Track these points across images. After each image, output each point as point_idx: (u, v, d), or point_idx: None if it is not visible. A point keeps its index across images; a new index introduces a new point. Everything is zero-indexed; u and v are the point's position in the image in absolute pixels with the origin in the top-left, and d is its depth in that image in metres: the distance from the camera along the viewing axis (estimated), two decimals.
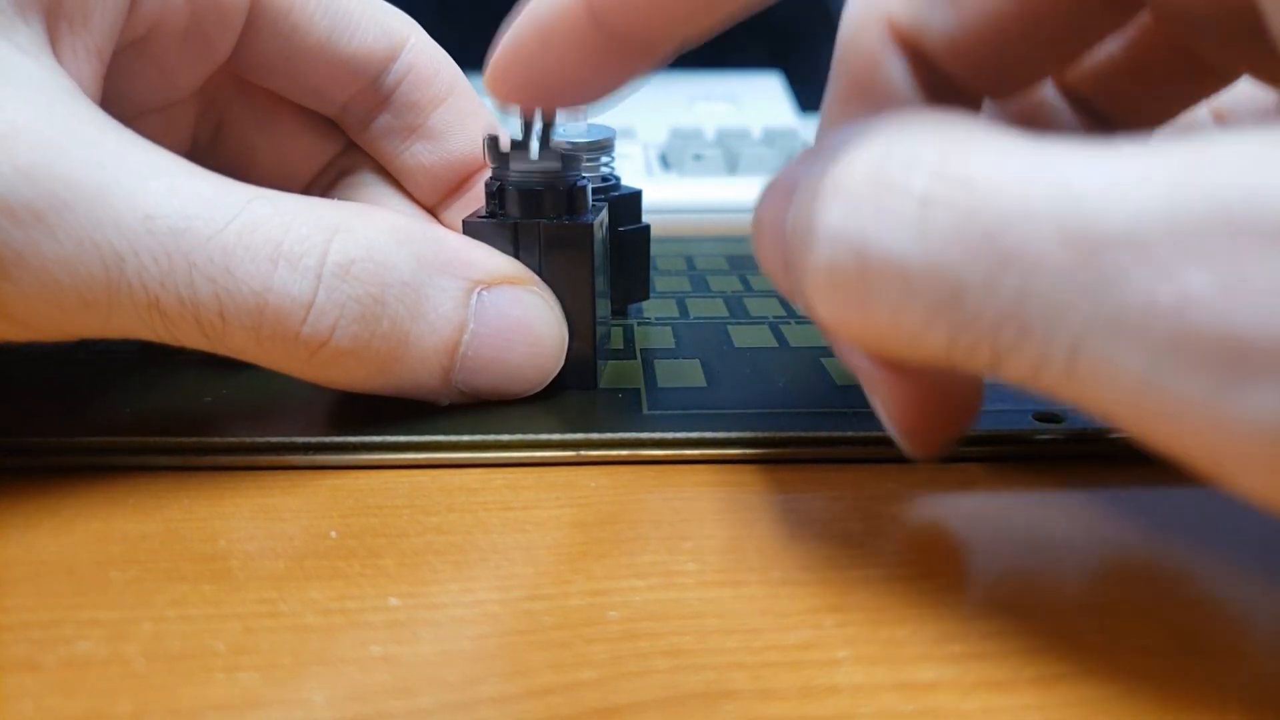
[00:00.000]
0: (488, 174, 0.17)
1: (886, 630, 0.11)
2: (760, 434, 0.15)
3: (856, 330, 0.10)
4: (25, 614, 0.11)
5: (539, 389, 0.16)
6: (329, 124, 0.20)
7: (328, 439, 0.15)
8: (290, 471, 0.14)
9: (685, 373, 0.17)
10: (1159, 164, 0.08)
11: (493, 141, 0.16)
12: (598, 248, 0.16)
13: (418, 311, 0.14)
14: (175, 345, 0.13)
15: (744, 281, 0.24)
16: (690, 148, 0.35)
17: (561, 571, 0.12)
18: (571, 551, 0.12)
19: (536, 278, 0.16)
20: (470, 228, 0.16)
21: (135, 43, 0.16)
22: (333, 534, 0.13)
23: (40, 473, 0.14)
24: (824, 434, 0.15)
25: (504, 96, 0.14)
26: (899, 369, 0.12)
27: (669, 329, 0.20)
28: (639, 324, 0.20)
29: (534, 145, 0.16)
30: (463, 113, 0.19)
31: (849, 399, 0.16)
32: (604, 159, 0.20)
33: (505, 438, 0.15)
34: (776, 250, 0.11)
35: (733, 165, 0.34)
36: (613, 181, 0.20)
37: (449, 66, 0.19)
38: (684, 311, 0.21)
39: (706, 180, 0.32)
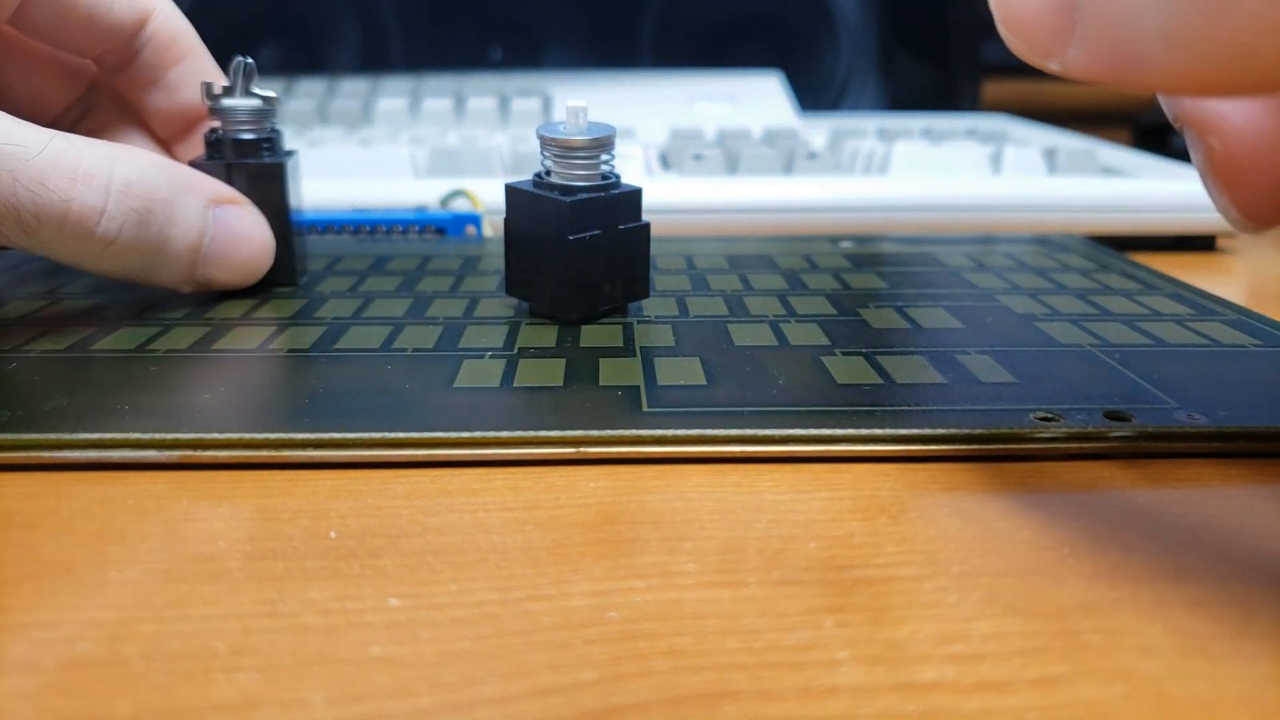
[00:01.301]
0: (208, 125, 0.22)
1: (886, 630, 0.11)
2: (760, 433, 0.15)
3: (1217, 48, 0.09)
4: (25, 614, 0.11)
5: (256, 280, 0.22)
6: (80, 65, 0.24)
7: (326, 435, 0.15)
8: (290, 471, 0.14)
9: (685, 371, 0.17)
10: None
11: (208, 87, 0.22)
12: (287, 180, 0.22)
13: (174, 220, 0.19)
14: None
15: (744, 280, 0.24)
16: (690, 148, 0.35)
17: (561, 571, 0.12)
18: (571, 551, 0.12)
19: (248, 200, 0.21)
20: (197, 165, 0.21)
21: None
22: (333, 534, 0.13)
23: (40, 472, 0.14)
24: (824, 433, 0.15)
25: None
26: (1245, 111, 0.11)
27: (669, 327, 0.20)
28: (639, 322, 0.20)
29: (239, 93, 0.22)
30: (194, 71, 0.24)
31: (849, 398, 0.16)
32: (604, 157, 0.20)
33: (504, 434, 0.15)
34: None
35: (733, 165, 0.34)
36: (613, 179, 0.20)
37: (188, 35, 0.24)
38: (684, 310, 0.21)
39: (706, 180, 0.32)
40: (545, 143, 0.20)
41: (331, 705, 0.10)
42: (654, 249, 0.27)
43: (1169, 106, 0.13)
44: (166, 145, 0.25)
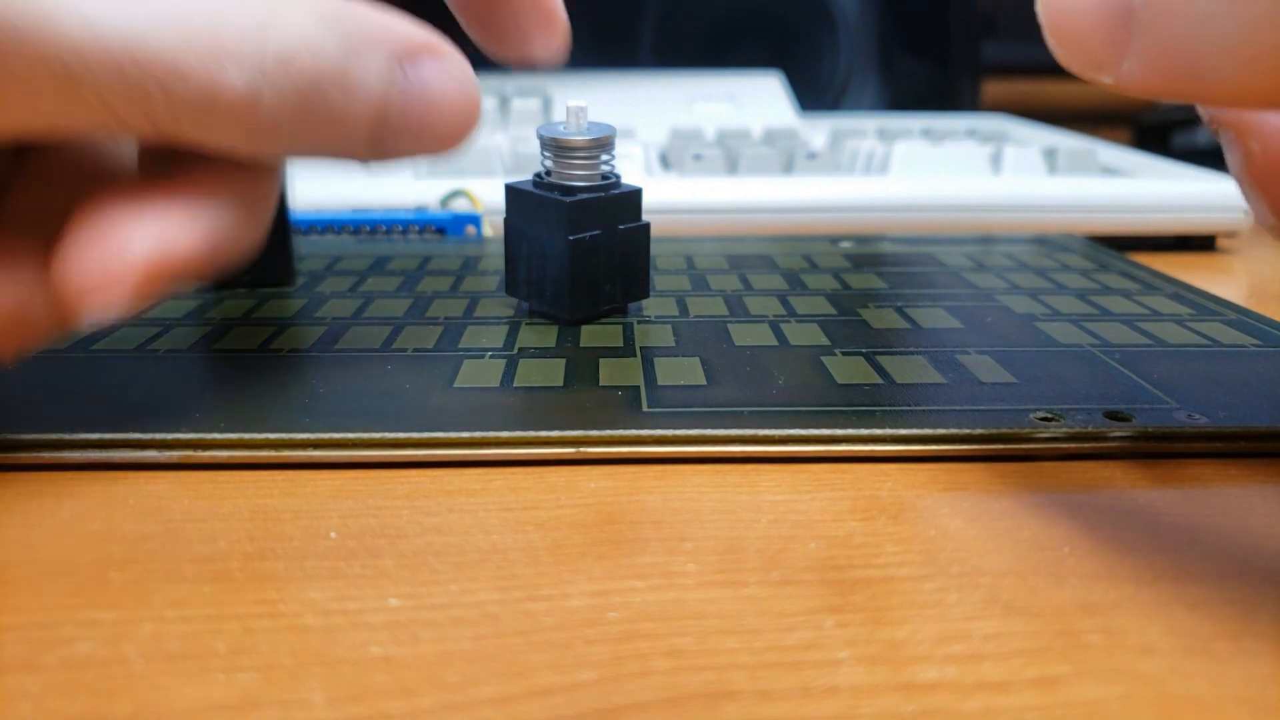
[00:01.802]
0: None
1: (886, 630, 0.11)
2: (760, 432, 0.15)
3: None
4: (25, 614, 0.11)
5: (455, 149, 0.17)
6: None
7: (326, 435, 0.15)
8: (290, 471, 0.14)
9: (685, 371, 0.17)
10: None
11: None
12: (284, 178, 0.19)
13: (349, 90, 0.15)
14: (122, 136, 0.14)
15: (744, 280, 0.24)
16: (690, 148, 0.35)
17: (561, 572, 0.12)
18: (571, 551, 0.12)
19: (452, 46, 0.16)
20: None
21: None
22: (332, 534, 0.13)
23: (40, 472, 0.14)
24: (824, 433, 0.15)
25: None
26: None
27: (669, 327, 0.20)
28: (639, 322, 0.20)
29: None
30: None
31: (849, 398, 0.16)
32: (604, 156, 0.20)
33: (504, 434, 0.15)
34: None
35: (733, 165, 0.34)
36: (613, 179, 0.20)
37: None
38: (684, 310, 0.21)
39: (706, 180, 0.32)
40: (545, 143, 0.20)
41: (331, 705, 0.10)
42: (654, 249, 0.27)
43: (1206, 109, 0.13)
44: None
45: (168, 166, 0.15)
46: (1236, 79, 0.10)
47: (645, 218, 0.21)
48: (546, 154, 0.20)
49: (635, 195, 0.20)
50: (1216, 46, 0.10)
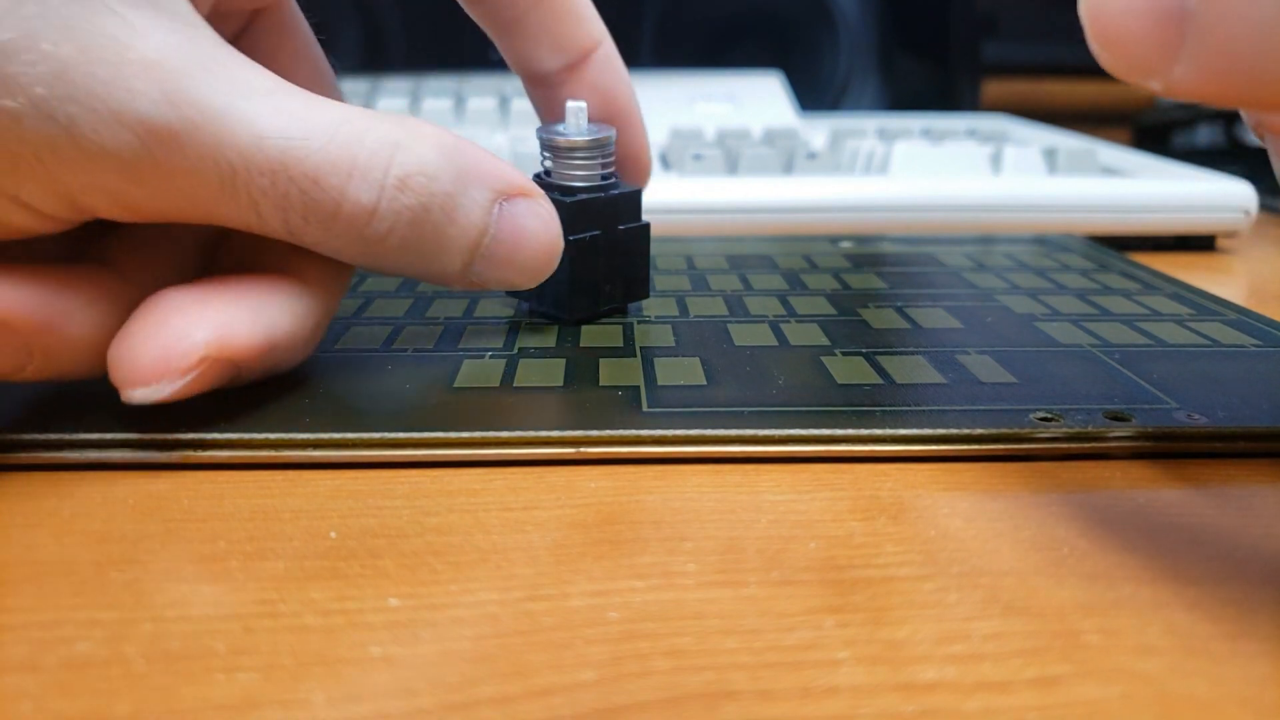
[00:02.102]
0: (589, 72, 0.20)
1: (886, 630, 0.11)
2: (760, 432, 0.15)
3: None
4: (25, 614, 0.11)
5: (536, 284, 0.18)
6: None
7: (326, 435, 0.15)
8: (290, 471, 0.15)
9: (685, 371, 0.17)
10: None
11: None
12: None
13: (454, 218, 0.16)
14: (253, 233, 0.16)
15: (744, 280, 0.24)
16: (690, 148, 0.35)
17: (561, 571, 0.12)
18: (571, 551, 0.12)
19: (541, 191, 0.18)
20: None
21: None
22: (332, 534, 0.13)
23: (40, 472, 0.14)
24: (824, 433, 0.15)
25: None
26: None
27: (669, 327, 0.20)
28: (639, 322, 0.20)
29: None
30: (558, 11, 0.21)
31: (849, 398, 0.16)
32: (602, 158, 0.20)
33: (504, 434, 0.15)
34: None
35: (733, 165, 0.34)
36: (612, 180, 0.20)
37: None
38: (684, 310, 0.21)
39: (706, 180, 0.32)
40: (545, 143, 0.20)
41: (331, 705, 0.10)
42: (654, 249, 0.27)
43: (1251, 116, 0.12)
44: (532, 90, 0.22)
45: (246, 257, 0.17)
46: None
47: (645, 218, 0.21)
48: (546, 154, 0.20)
49: (635, 196, 0.20)
50: (1278, 51, 0.09)
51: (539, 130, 0.20)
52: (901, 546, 0.13)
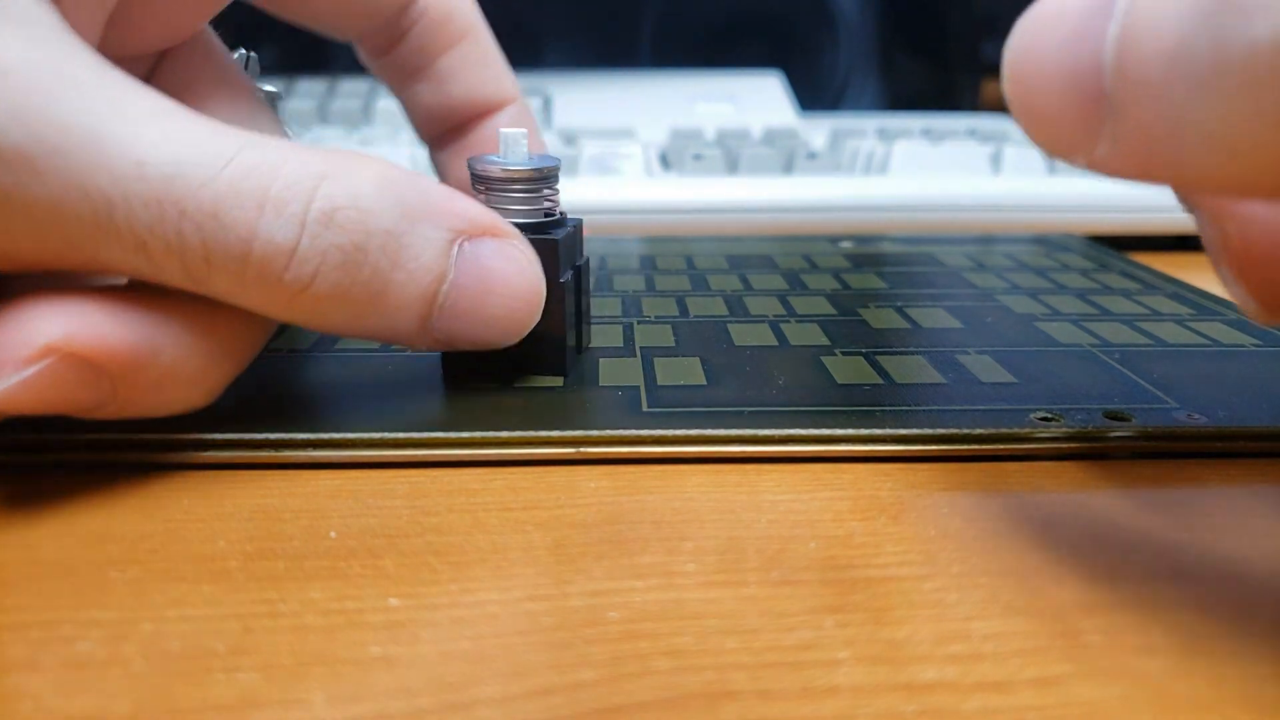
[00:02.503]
0: (494, 125, 0.18)
1: (886, 630, 0.11)
2: (760, 433, 0.15)
3: (1275, 156, 0.09)
4: (25, 614, 0.11)
5: (514, 341, 0.16)
6: None
7: (325, 435, 0.15)
8: (290, 471, 0.14)
9: (685, 371, 0.17)
10: None
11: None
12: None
13: (398, 260, 0.14)
14: (157, 284, 0.13)
15: (744, 280, 0.24)
16: (690, 148, 0.35)
17: (561, 571, 0.12)
18: (571, 551, 0.12)
19: (518, 231, 0.16)
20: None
21: None
22: (333, 534, 0.13)
23: (40, 472, 0.14)
24: (824, 433, 0.15)
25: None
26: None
27: (669, 327, 0.20)
28: (639, 322, 0.20)
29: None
30: (469, 60, 0.19)
31: (849, 397, 0.16)
32: (546, 190, 0.17)
33: (504, 434, 0.15)
34: (1084, 73, 0.10)
35: (733, 165, 0.34)
36: (555, 215, 0.17)
37: (465, 12, 0.19)
38: (684, 310, 0.21)
39: (706, 180, 0.32)
40: (479, 175, 0.17)
41: (332, 705, 0.10)
42: (654, 249, 0.27)
43: (1177, 191, 0.12)
44: (433, 152, 0.21)
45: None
46: (1217, 169, 0.09)
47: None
48: (479, 187, 0.17)
49: (579, 228, 0.18)
50: (1196, 135, 0.09)
51: (471, 161, 0.17)
52: (901, 546, 0.13)
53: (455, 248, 0.14)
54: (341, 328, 0.14)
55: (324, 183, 0.13)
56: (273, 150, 0.13)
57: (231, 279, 0.13)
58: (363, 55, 0.20)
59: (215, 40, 0.18)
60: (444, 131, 0.20)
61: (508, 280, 0.15)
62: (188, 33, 0.17)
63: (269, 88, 0.21)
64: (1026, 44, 0.10)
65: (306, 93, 0.44)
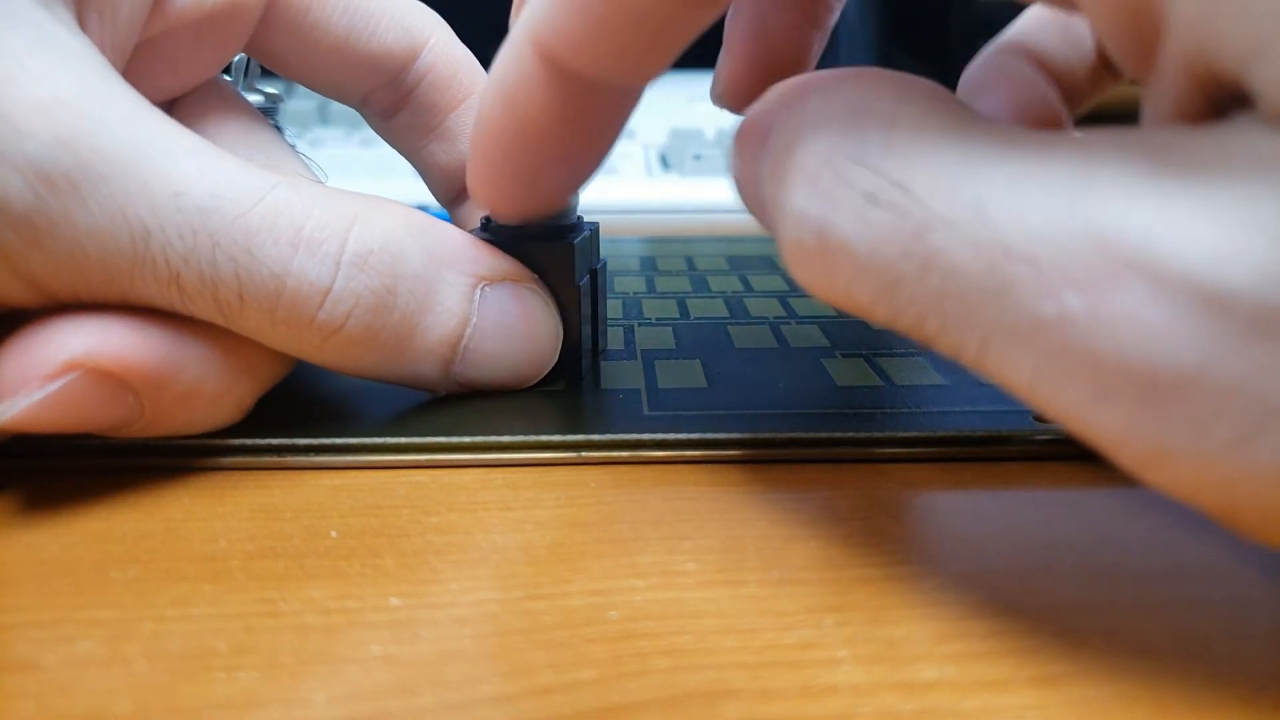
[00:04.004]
0: None
1: (886, 630, 0.11)
2: (760, 434, 0.15)
3: (822, 291, 0.11)
4: (25, 614, 0.11)
5: (533, 382, 0.16)
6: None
7: (328, 440, 0.15)
8: (290, 471, 0.15)
9: (686, 373, 0.17)
10: (1055, 177, 0.09)
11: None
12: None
13: (426, 304, 0.14)
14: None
15: (744, 282, 0.24)
16: (690, 148, 0.35)
17: (561, 571, 0.12)
18: (571, 551, 0.12)
19: (535, 276, 0.16)
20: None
21: (150, 39, 0.16)
22: (333, 534, 0.13)
23: (40, 473, 0.14)
24: (824, 434, 0.15)
25: (495, 201, 0.15)
26: None
27: (669, 329, 0.20)
28: (639, 324, 0.20)
29: None
30: None
31: (849, 399, 0.16)
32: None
33: (505, 439, 0.15)
34: (754, 196, 0.13)
35: None
36: (572, 221, 0.18)
37: (470, 69, 0.19)
38: (684, 312, 0.21)
39: (706, 180, 0.32)
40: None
41: (332, 704, 0.10)
42: (654, 249, 0.27)
43: None
44: (450, 210, 0.21)
45: None
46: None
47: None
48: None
49: (596, 232, 0.18)
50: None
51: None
52: (901, 546, 0.13)
53: (477, 292, 0.15)
54: (368, 370, 0.15)
55: (356, 225, 0.14)
56: (304, 190, 0.13)
57: (263, 315, 0.13)
58: (372, 120, 0.20)
59: (227, 87, 0.19)
60: (462, 189, 0.20)
61: (527, 323, 0.16)
62: (198, 83, 0.18)
63: (269, 90, 0.21)
64: (736, 155, 0.13)
65: (306, 93, 0.44)
